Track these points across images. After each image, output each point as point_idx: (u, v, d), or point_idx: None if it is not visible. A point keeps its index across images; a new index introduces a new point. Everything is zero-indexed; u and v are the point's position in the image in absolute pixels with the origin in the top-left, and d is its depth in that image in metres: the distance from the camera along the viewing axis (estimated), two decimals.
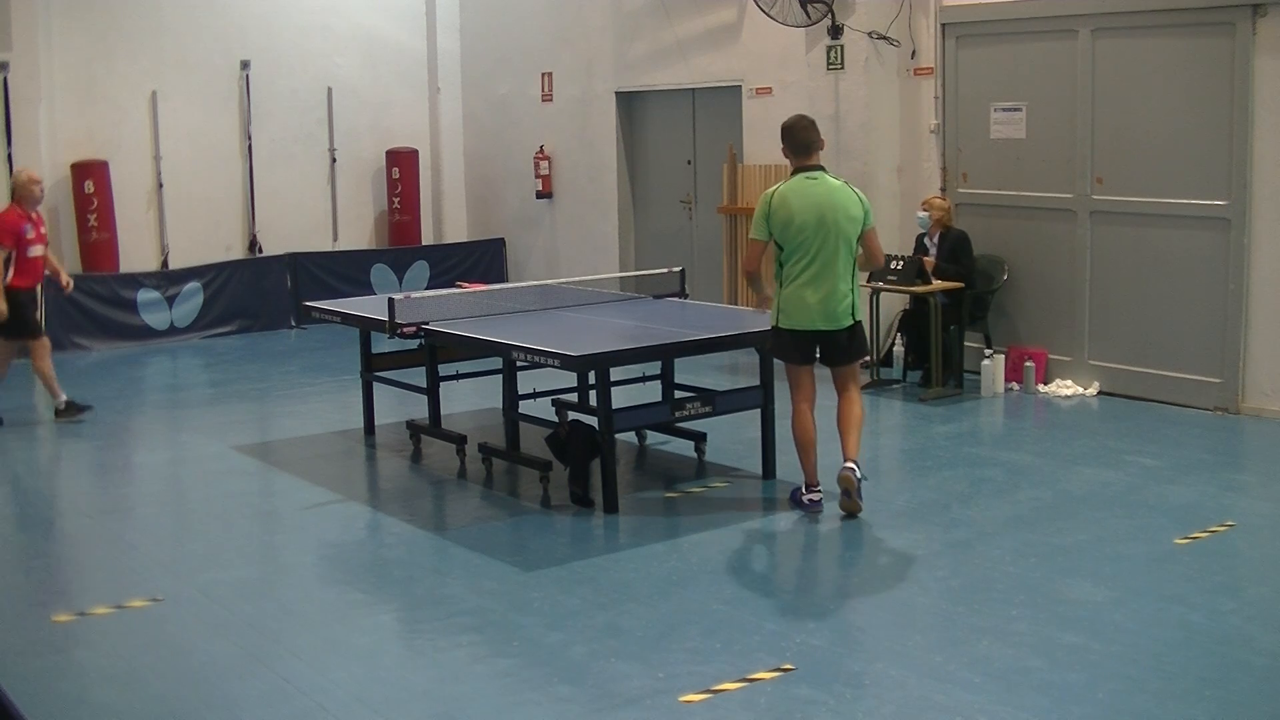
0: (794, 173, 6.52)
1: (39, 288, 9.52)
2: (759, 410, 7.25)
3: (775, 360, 6.84)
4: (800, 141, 6.54)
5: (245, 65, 13.43)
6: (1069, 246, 9.45)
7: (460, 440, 7.84)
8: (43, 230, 9.20)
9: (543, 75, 13.76)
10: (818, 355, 6.63)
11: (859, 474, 6.52)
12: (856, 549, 6.27)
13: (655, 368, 8.12)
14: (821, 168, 6.57)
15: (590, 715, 4.47)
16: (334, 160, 14.10)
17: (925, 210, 9.60)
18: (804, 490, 6.67)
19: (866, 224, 6.50)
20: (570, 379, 7.91)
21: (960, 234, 9.52)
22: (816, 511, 6.59)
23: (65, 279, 9.70)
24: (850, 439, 6.55)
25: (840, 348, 6.57)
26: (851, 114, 10.23)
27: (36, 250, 9.06)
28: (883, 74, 10.25)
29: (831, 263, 6.39)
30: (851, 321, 6.52)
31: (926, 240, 9.59)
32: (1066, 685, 4.59)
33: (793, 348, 6.57)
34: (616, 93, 12.94)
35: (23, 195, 9.10)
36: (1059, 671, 4.70)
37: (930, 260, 9.38)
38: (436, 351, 7.91)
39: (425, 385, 8.01)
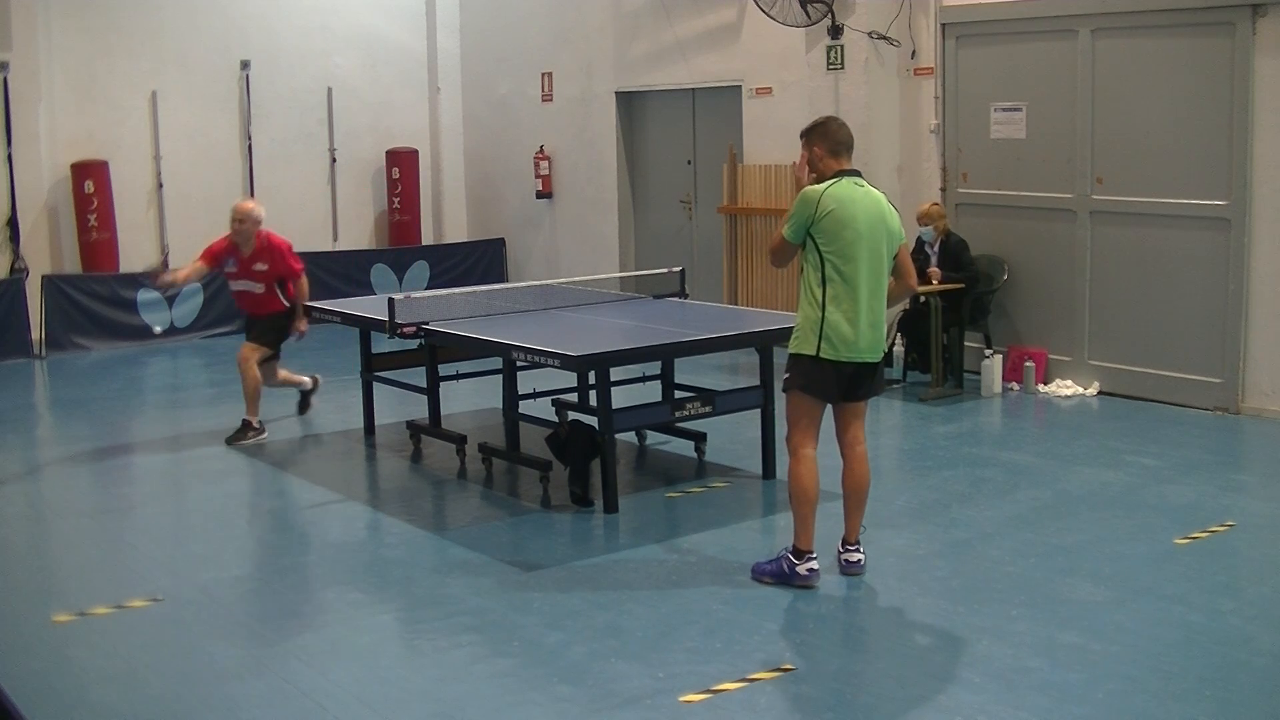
0: (833, 175, 5.59)
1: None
2: (759, 410, 7.25)
3: (791, 388, 5.63)
4: (841, 140, 5.64)
5: (245, 65, 13.43)
6: (1069, 246, 9.45)
7: (460, 440, 7.84)
8: (255, 268, 8.92)
9: (543, 75, 13.76)
10: None
11: (864, 559, 5.79)
12: None
13: (655, 368, 8.12)
14: (859, 172, 5.69)
15: (590, 715, 4.46)
16: (334, 160, 14.11)
17: (928, 224, 9.45)
18: (796, 559, 5.59)
19: (901, 239, 5.68)
20: (570, 379, 7.90)
21: (960, 240, 9.50)
22: (813, 586, 5.59)
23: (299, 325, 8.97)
24: (858, 515, 5.77)
25: (866, 382, 5.63)
26: (851, 114, 10.18)
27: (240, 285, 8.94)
28: (883, 74, 10.25)
29: (882, 282, 5.57)
30: (884, 351, 5.72)
31: (928, 248, 9.50)
32: (1066, 685, 4.59)
33: (832, 384, 5.55)
34: (616, 93, 12.94)
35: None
36: (1059, 671, 4.70)
37: (935, 271, 9.34)
38: (436, 351, 7.92)
39: (425, 385, 8.02)
